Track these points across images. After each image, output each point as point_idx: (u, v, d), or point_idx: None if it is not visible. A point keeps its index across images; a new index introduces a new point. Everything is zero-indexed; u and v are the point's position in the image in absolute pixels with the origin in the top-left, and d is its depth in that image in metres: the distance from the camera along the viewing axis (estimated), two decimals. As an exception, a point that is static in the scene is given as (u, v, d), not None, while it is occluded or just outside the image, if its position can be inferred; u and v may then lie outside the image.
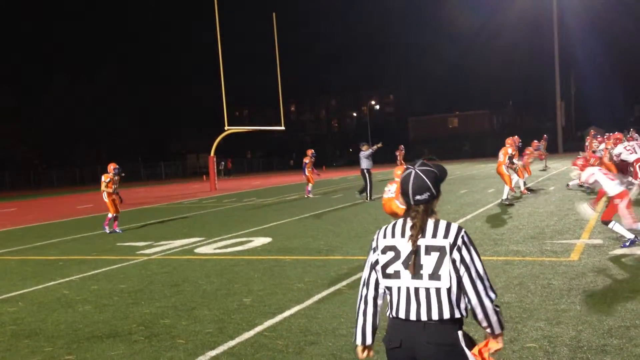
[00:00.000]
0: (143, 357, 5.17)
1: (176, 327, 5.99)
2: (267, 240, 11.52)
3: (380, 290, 2.80)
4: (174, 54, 75.74)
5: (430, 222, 2.69)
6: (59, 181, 55.34)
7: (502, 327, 2.75)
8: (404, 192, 2.71)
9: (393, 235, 2.73)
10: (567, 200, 14.86)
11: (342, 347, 5.02)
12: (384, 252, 2.73)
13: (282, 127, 36.71)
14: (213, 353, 5.12)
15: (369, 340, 2.90)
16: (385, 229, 2.80)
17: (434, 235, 2.64)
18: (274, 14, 34.26)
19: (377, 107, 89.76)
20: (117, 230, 14.36)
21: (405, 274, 2.63)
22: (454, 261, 2.62)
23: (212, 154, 32.74)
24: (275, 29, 34.19)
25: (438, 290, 2.61)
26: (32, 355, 5.43)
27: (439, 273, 2.60)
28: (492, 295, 2.71)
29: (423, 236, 2.64)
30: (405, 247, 2.65)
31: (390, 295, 2.72)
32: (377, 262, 2.76)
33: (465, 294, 2.68)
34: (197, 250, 10.84)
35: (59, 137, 64.16)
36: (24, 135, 61.63)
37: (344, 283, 7.35)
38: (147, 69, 73.85)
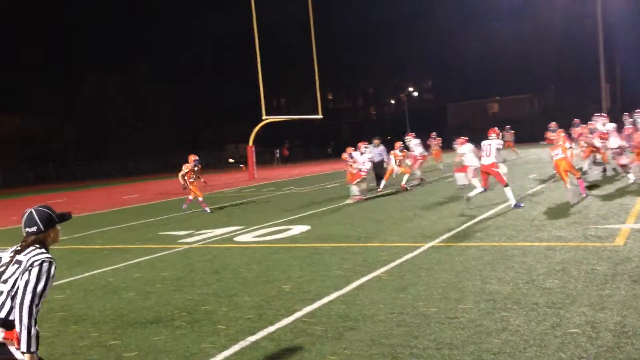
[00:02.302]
0: (185, 342, 5.28)
1: (217, 313, 6.10)
2: (306, 228, 11.58)
3: None
4: (208, 43, 76.18)
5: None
6: (102, 173, 56.64)
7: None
8: None
9: None
10: (612, 185, 14.47)
11: (380, 333, 5.03)
12: None
13: (320, 116, 36.69)
14: (253, 338, 5.19)
15: None
16: None
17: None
18: (309, 2, 34.15)
19: (415, 93, 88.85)
20: (207, 210, 15.98)
21: None
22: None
23: (250, 143, 32.99)
24: (312, 16, 34.11)
25: None
26: (80, 340, 5.61)
27: None
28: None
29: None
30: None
31: None
32: None
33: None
34: (236, 239, 10.98)
35: (95, 129, 65.54)
36: (64, 129, 63.17)
37: (382, 270, 7.34)
38: (181, 60, 74.55)
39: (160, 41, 74.59)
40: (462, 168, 14.36)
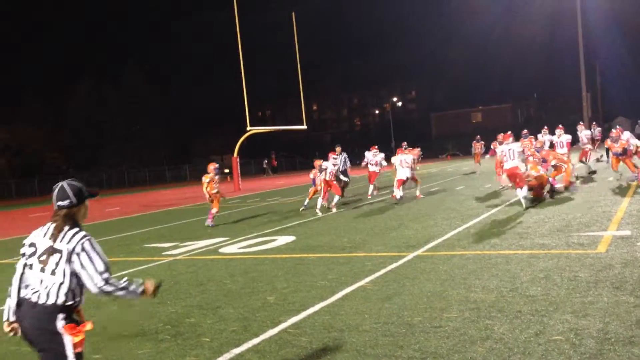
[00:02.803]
0: (169, 355, 5.23)
1: (201, 325, 6.06)
2: (291, 238, 11.56)
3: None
4: (195, 54, 76.31)
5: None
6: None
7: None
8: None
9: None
10: (594, 192, 14.64)
11: (365, 343, 5.02)
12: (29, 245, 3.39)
13: (304, 126, 36.77)
14: (238, 350, 5.16)
15: (12, 317, 3.36)
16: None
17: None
18: (293, 14, 34.32)
19: (399, 103, 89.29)
20: (210, 224, 14.85)
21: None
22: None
23: (235, 154, 32.93)
24: (295, 29, 34.26)
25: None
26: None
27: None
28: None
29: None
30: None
31: None
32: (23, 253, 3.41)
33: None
34: (221, 250, 10.93)
35: (84, 140, 65.11)
36: (50, 140, 62.65)
37: (368, 279, 7.34)
38: (169, 70, 74.63)
39: (150, 53, 74.61)
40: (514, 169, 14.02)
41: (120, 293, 3.38)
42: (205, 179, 15.00)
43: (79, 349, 3.27)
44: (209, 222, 14.95)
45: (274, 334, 5.52)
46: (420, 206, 15.27)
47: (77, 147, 64.69)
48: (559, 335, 4.78)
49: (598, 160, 25.16)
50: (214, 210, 14.99)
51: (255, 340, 5.38)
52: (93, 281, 3.29)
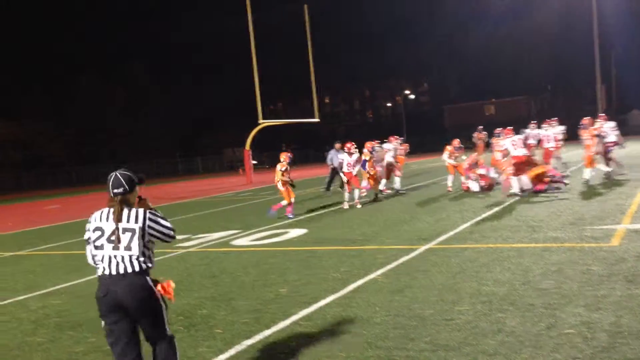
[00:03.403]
0: (182, 346, 5.27)
1: (214, 317, 6.10)
2: (303, 231, 11.59)
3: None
4: (206, 47, 76.48)
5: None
6: (95, 178, 56.72)
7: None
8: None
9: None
10: (607, 186, 14.52)
11: (376, 335, 5.04)
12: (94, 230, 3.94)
13: (317, 119, 36.73)
14: (250, 342, 5.20)
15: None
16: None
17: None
18: (305, 6, 34.19)
19: (412, 96, 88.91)
20: (290, 216, 14.17)
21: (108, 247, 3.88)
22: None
23: (247, 147, 32.99)
24: (307, 21, 34.15)
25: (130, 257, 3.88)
26: (76, 345, 5.60)
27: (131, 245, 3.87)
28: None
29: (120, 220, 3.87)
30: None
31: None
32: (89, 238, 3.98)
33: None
34: (233, 243, 10.98)
35: (91, 135, 65.50)
36: (55, 135, 63.10)
37: (379, 272, 7.35)
38: (179, 64, 74.85)
39: (155, 44, 74.76)
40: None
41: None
42: (281, 167, 14.37)
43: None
44: (273, 213, 14.22)
45: (285, 326, 5.55)
46: (432, 199, 15.22)
47: (83, 143, 65.04)
48: (571, 329, 4.76)
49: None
50: (292, 200, 14.30)
51: (267, 332, 5.42)
52: (169, 235, 4.08)
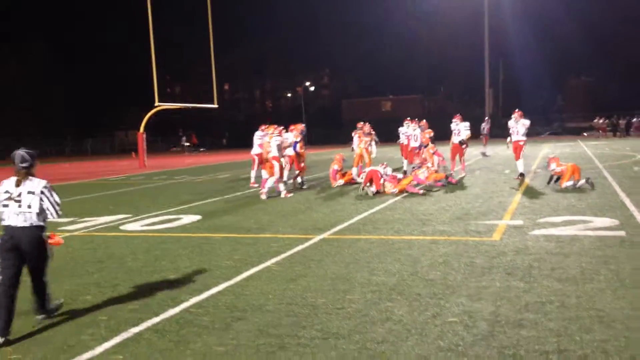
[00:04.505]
0: (62, 333, 4.99)
1: (98, 303, 5.82)
2: (197, 218, 11.34)
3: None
4: (103, 26, 72.81)
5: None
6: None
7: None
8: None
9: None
10: (491, 183, 15.38)
11: (268, 323, 5.02)
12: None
13: (216, 105, 36.09)
14: (136, 329, 5.00)
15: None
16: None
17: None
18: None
19: (312, 88, 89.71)
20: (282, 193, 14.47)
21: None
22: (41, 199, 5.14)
23: (141, 130, 31.84)
24: (210, 8, 33.38)
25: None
26: None
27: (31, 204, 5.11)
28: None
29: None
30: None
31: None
32: None
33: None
34: (123, 227, 10.55)
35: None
36: None
37: (273, 260, 7.34)
38: (76, 43, 70.70)
39: (58, 26, 70.25)
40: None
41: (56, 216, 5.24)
42: (297, 138, 15.12)
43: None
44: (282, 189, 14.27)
45: (174, 314, 5.39)
46: (328, 191, 15.42)
47: None
48: (454, 317, 4.99)
49: (484, 154, 26.50)
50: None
51: (155, 320, 5.24)
52: (53, 206, 5.17)
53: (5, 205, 5.10)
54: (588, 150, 28.49)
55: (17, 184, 5.10)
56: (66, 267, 7.50)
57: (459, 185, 15.13)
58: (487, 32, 48.14)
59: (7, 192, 5.11)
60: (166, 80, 65.15)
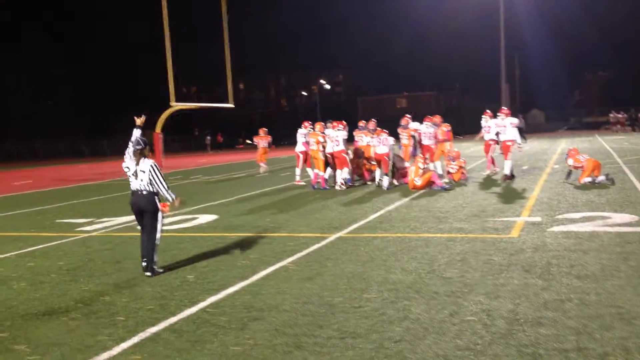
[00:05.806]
0: (80, 334, 5.02)
1: (116, 304, 5.85)
2: (213, 217, 11.38)
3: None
4: (118, 27, 73.48)
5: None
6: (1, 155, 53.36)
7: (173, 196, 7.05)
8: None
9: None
10: (510, 181, 15.23)
11: (285, 323, 5.01)
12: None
13: (232, 105, 36.17)
14: (154, 329, 5.02)
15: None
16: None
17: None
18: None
19: (327, 86, 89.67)
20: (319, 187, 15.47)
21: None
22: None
23: (157, 130, 31.99)
24: (224, 7, 33.40)
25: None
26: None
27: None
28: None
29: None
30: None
31: None
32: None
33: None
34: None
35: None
36: None
37: (290, 260, 7.33)
38: (90, 43, 71.42)
39: (70, 25, 70.92)
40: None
41: (168, 193, 7.10)
42: (321, 138, 15.51)
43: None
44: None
45: (192, 313, 5.41)
46: (343, 190, 15.37)
47: None
48: (472, 316, 4.94)
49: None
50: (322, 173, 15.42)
51: (172, 319, 5.25)
52: (160, 182, 6.99)
53: (130, 177, 7.02)
54: (606, 145, 28.15)
55: (137, 163, 6.92)
56: (84, 267, 7.56)
57: (479, 181, 15.01)
58: (503, 28, 47.72)
59: (127, 167, 7.02)
60: (180, 80, 65.46)
